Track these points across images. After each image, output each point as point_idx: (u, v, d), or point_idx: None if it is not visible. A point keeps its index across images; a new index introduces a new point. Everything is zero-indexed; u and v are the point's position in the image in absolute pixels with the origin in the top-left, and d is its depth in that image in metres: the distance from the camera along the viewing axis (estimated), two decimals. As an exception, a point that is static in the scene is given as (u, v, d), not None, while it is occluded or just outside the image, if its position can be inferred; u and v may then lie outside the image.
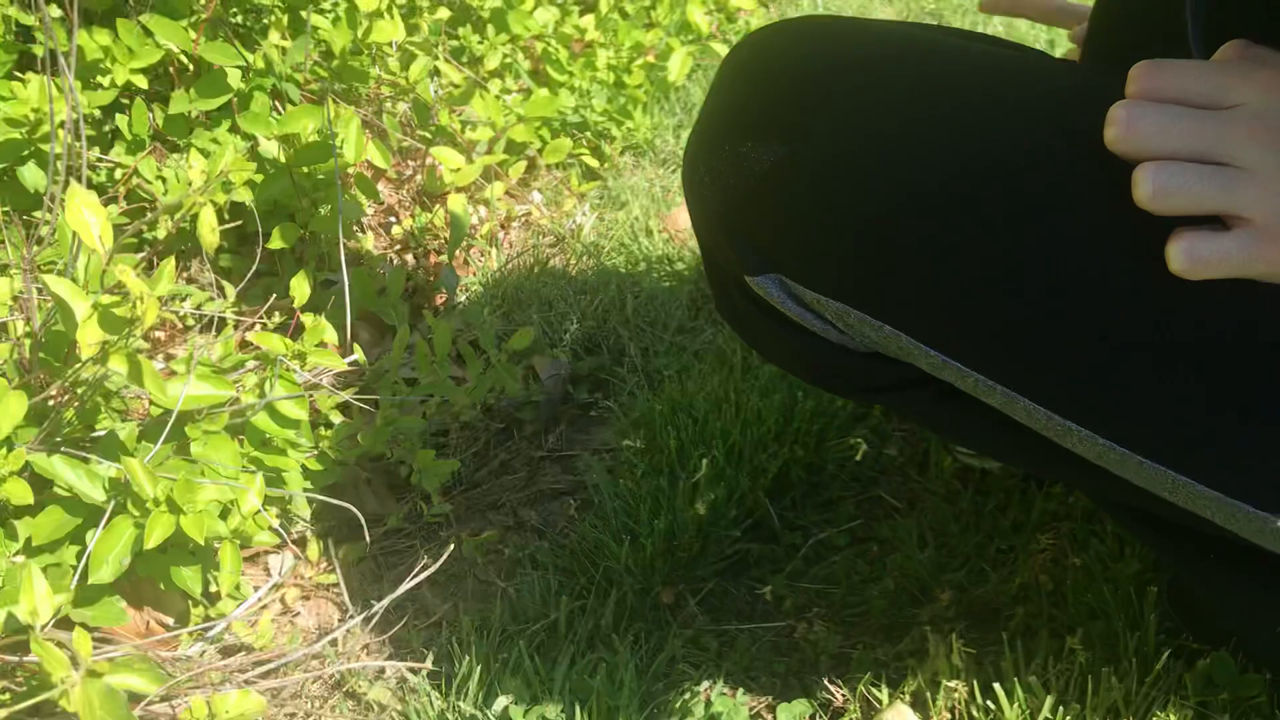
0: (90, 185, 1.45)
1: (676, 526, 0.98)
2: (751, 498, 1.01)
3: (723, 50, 1.73)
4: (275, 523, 0.96)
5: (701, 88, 1.76)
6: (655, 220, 1.48)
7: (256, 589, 1.07)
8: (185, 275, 1.43)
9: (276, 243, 1.31)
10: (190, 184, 0.85)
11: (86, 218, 0.76)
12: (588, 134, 1.64)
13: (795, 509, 1.02)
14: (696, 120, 0.66)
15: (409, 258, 1.50)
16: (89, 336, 0.80)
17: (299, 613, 1.07)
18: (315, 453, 1.07)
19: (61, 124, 1.36)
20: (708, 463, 1.01)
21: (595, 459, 1.15)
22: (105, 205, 1.20)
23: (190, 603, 1.05)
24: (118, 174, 1.39)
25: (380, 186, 1.57)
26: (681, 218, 1.47)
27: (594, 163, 1.62)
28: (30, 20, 1.32)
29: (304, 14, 1.49)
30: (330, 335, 1.05)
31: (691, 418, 1.08)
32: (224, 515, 0.95)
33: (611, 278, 1.38)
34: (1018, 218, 0.51)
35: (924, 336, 0.55)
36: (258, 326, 1.25)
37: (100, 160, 1.40)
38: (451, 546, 1.07)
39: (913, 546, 0.97)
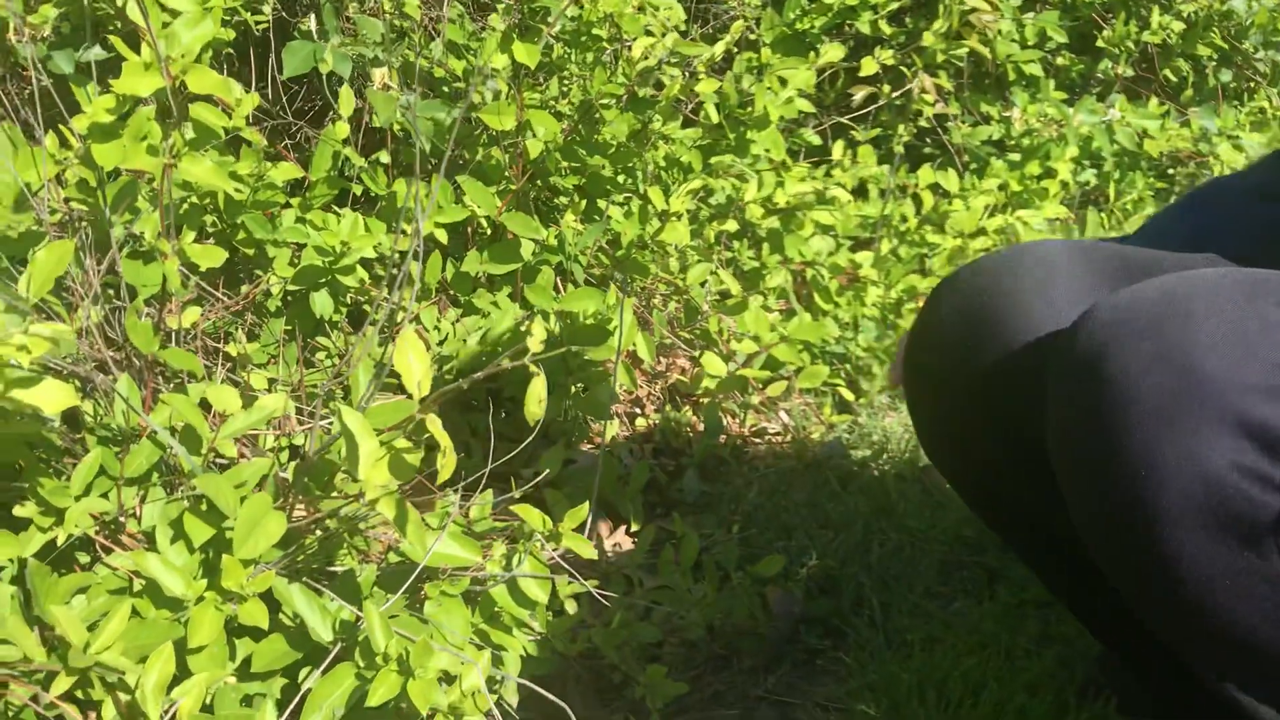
0: (371, 322, 1.50)
1: (916, 821, 0.87)
2: (1007, 808, 0.89)
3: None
4: (492, 705, 0.90)
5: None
6: (909, 469, 1.41)
7: (446, 770, 1.00)
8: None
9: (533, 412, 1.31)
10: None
11: (412, 363, 0.75)
12: (847, 366, 1.61)
13: (1054, 834, 0.89)
14: None
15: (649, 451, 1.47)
16: (377, 478, 0.78)
17: (480, 807, 0.99)
18: (538, 638, 1.02)
19: (358, 261, 1.42)
20: (960, 755, 0.90)
21: (821, 714, 1.05)
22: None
23: (376, 765, 0.99)
24: (397, 315, 1.43)
25: (633, 376, 1.57)
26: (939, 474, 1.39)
27: (849, 396, 1.57)
28: (360, 161, 1.41)
29: (601, 203, 1.54)
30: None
31: (943, 698, 0.98)
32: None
33: (857, 519, 1.30)
34: None
35: None
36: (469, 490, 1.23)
37: (385, 300, 1.46)
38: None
39: None
